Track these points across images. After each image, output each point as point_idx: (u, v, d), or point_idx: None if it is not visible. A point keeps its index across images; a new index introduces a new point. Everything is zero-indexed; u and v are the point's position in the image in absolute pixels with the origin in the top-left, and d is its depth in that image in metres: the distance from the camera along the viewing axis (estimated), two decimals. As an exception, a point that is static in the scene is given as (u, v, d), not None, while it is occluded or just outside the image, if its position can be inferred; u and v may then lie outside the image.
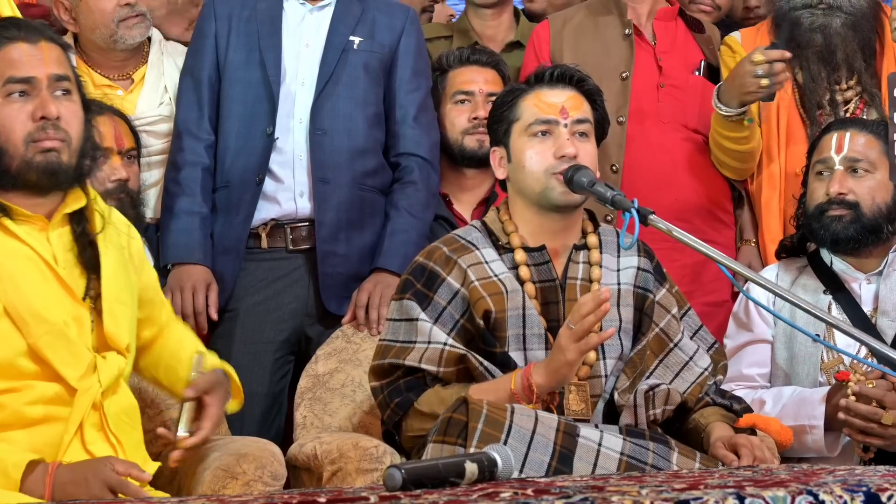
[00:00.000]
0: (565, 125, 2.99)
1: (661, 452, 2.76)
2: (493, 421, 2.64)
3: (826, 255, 3.52)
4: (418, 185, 3.72)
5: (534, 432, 2.66)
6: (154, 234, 3.71)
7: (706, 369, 3.05)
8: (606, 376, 2.98)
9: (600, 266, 3.04)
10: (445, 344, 2.94)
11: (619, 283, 3.04)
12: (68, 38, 3.86)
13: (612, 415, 2.96)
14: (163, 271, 3.65)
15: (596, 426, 2.82)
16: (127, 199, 3.52)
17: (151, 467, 2.66)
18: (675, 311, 3.09)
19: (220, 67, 3.75)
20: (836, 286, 3.47)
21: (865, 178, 3.45)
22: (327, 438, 3.15)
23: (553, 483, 2.17)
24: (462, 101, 3.89)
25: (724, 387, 3.28)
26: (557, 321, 2.94)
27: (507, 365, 2.93)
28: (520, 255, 3.01)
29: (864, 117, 3.75)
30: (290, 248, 3.68)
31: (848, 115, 3.79)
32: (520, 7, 4.53)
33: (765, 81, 3.57)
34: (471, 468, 2.19)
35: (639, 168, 3.85)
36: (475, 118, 3.86)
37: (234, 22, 3.76)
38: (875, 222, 3.42)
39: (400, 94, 3.77)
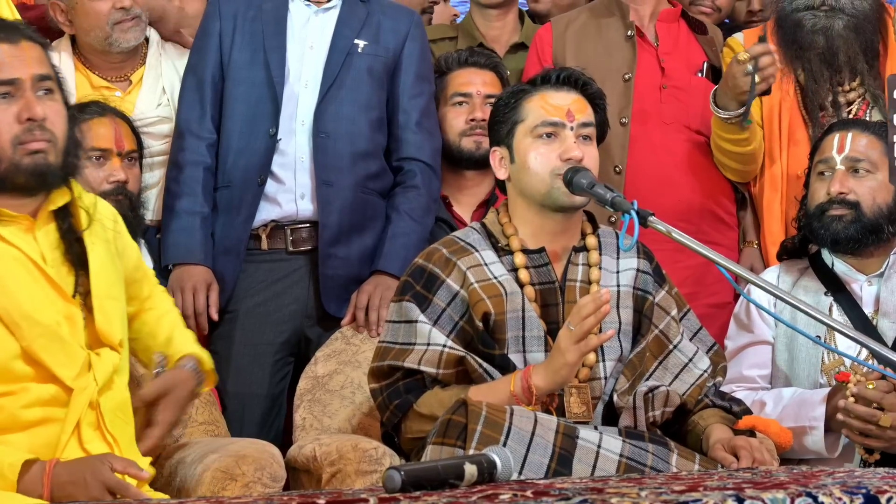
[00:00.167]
0: (571, 128, 2.99)
1: (660, 454, 2.76)
2: (493, 423, 2.64)
3: (827, 257, 3.52)
4: (420, 190, 3.73)
5: (533, 434, 2.66)
6: (154, 236, 3.71)
7: (705, 371, 3.05)
8: (606, 378, 2.98)
9: (599, 268, 3.04)
10: (444, 346, 2.94)
11: (618, 285, 3.04)
12: (66, 40, 3.87)
13: (611, 416, 2.95)
14: (164, 271, 3.65)
15: (595, 428, 2.82)
16: (125, 202, 3.52)
17: (144, 463, 2.66)
18: (674, 312, 3.08)
19: (223, 66, 3.75)
20: (837, 288, 3.47)
21: (866, 178, 3.45)
22: (327, 440, 3.15)
23: (552, 485, 2.17)
24: (460, 103, 3.89)
25: (724, 388, 3.28)
26: (557, 323, 2.94)
27: (506, 367, 2.93)
28: (519, 258, 3.01)
29: (868, 119, 3.75)
30: (291, 249, 3.68)
31: (851, 116, 3.79)
32: (524, 9, 4.53)
33: (757, 77, 3.58)
34: (470, 470, 2.20)
35: (641, 169, 3.85)
36: (473, 120, 3.86)
37: (239, 21, 3.76)
38: (875, 222, 3.42)
39: (403, 99, 3.77)
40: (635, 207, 2.80)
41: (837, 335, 3.30)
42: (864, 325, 3.37)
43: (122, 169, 3.54)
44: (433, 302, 2.98)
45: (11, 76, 2.57)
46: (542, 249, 3.02)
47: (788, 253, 3.60)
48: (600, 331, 2.84)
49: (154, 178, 3.77)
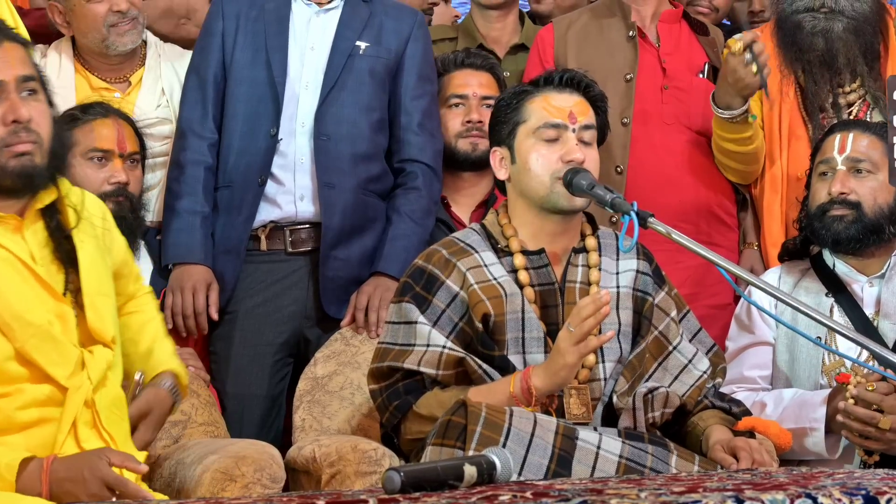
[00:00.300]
0: (573, 130, 2.99)
1: (659, 455, 2.76)
2: (492, 424, 2.64)
3: (828, 258, 3.52)
4: (421, 192, 3.72)
5: (532, 435, 2.65)
6: (154, 238, 3.71)
7: (705, 372, 3.05)
8: (605, 379, 2.98)
9: (599, 269, 3.04)
10: (444, 347, 2.94)
11: (618, 286, 3.04)
12: (66, 42, 3.87)
13: (610, 418, 2.95)
14: (164, 271, 3.65)
15: (595, 429, 2.82)
16: (126, 203, 3.52)
17: (140, 455, 2.65)
18: (674, 313, 3.08)
19: (226, 66, 3.74)
20: (838, 289, 3.47)
21: (868, 178, 3.45)
22: (326, 441, 3.15)
23: (552, 486, 2.17)
24: (456, 105, 3.89)
25: (725, 389, 3.28)
26: (556, 325, 2.94)
27: (505, 368, 2.93)
28: (519, 260, 3.01)
29: (868, 120, 3.75)
30: (290, 250, 3.68)
31: (851, 117, 3.79)
32: (525, 10, 4.53)
33: (754, 67, 3.59)
34: (469, 471, 2.20)
35: (643, 169, 3.85)
36: (469, 121, 3.86)
37: (241, 21, 3.76)
38: (877, 223, 3.42)
39: (405, 100, 3.77)
40: (635, 209, 2.79)
41: (838, 336, 3.29)
42: (864, 326, 3.37)
43: (124, 170, 3.54)
44: (433, 303, 2.98)
45: None
46: (541, 251, 3.02)
47: (790, 254, 3.60)
48: (600, 332, 2.84)
49: (154, 179, 3.77)
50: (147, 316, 2.94)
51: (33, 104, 2.60)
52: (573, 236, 3.06)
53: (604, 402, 2.97)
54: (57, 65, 3.81)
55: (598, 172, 3.02)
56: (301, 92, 3.70)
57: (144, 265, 3.64)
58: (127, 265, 2.89)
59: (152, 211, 3.74)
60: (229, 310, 3.68)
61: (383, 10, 3.80)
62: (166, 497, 2.73)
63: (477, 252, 3.03)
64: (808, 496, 1.99)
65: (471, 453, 2.56)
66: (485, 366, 2.93)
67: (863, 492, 2.03)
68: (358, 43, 3.73)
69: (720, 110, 3.71)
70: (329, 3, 3.77)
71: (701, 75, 3.98)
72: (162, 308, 3.59)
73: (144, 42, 3.91)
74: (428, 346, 2.94)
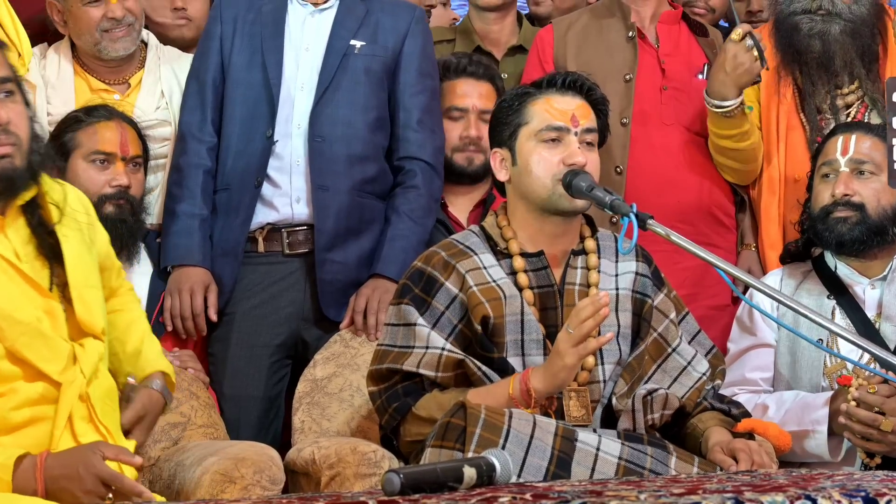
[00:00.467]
0: (575, 133, 2.99)
1: (659, 457, 2.76)
2: (492, 425, 2.64)
3: (830, 260, 3.52)
4: (420, 190, 3.70)
5: (532, 437, 2.65)
6: (154, 240, 3.71)
7: (704, 374, 3.05)
8: (605, 381, 2.98)
9: (598, 271, 3.04)
10: (443, 349, 2.94)
11: (617, 288, 3.04)
12: (66, 44, 3.87)
13: (610, 420, 2.95)
14: (164, 274, 3.65)
15: (594, 431, 2.82)
16: (127, 206, 3.52)
17: (131, 446, 2.65)
18: (673, 315, 3.08)
19: (224, 69, 3.75)
20: (839, 291, 3.47)
21: (871, 179, 3.45)
22: (325, 443, 3.14)
23: (551, 487, 2.17)
24: (456, 118, 3.87)
25: (726, 390, 3.28)
26: (556, 327, 2.94)
27: (505, 370, 2.93)
28: (518, 262, 3.01)
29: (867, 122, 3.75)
30: (287, 252, 3.67)
31: (849, 119, 3.79)
32: (524, 12, 4.53)
33: (755, 52, 3.61)
34: (469, 473, 2.20)
35: (642, 170, 3.85)
36: (466, 136, 3.85)
37: (239, 24, 3.76)
38: (880, 224, 3.42)
39: (404, 97, 3.74)
40: (634, 210, 2.79)
41: (840, 338, 3.29)
42: (866, 328, 3.37)
43: (126, 174, 3.54)
44: (432, 305, 2.98)
45: None
46: (540, 253, 3.02)
47: (792, 256, 3.60)
48: (599, 334, 2.84)
49: (154, 181, 3.77)
50: (133, 315, 2.93)
51: (10, 105, 2.59)
52: (572, 238, 3.06)
53: (603, 404, 2.97)
54: (56, 66, 3.81)
55: (599, 175, 3.02)
56: (296, 93, 3.69)
57: (144, 268, 3.64)
58: (110, 258, 2.88)
59: (152, 214, 3.73)
60: (227, 311, 3.67)
61: (380, 8, 3.78)
62: (163, 499, 2.73)
63: (476, 254, 3.03)
64: (808, 498, 2.00)
65: (470, 455, 2.56)
66: (484, 367, 2.93)
67: (862, 493, 2.03)
68: (353, 42, 3.72)
69: (715, 103, 3.70)
70: (324, 2, 3.77)
71: (700, 76, 3.98)
72: (161, 311, 3.60)
73: (145, 44, 3.90)
74: (427, 347, 2.94)
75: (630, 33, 3.96)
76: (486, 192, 3.91)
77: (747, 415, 3.06)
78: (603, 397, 2.97)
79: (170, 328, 3.60)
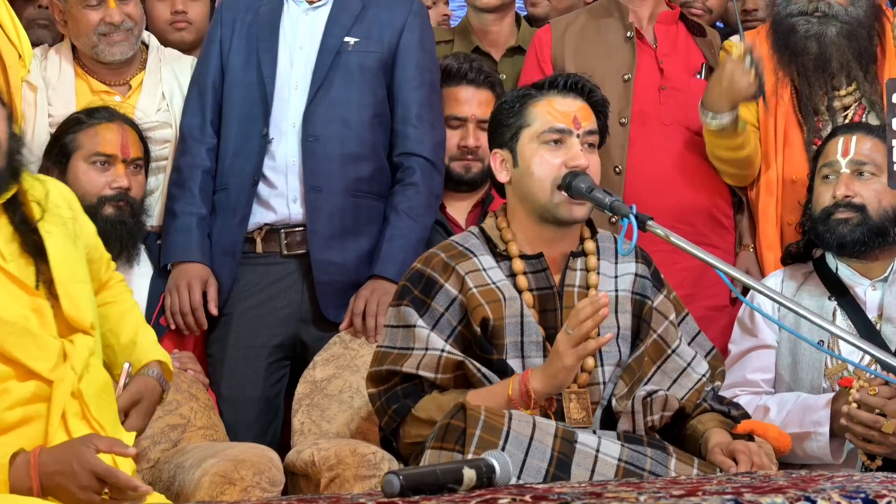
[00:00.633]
0: (577, 136, 2.99)
1: (658, 458, 2.76)
2: (491, 427, 2.64)
3: (831, 261, 3.52)
4: (419, 187, 3.67)
5: (531, 438, 2.65)
6: (154, 242, 3.71)
7: (704, 375, 3.05)
8: (604, 383, 2.98)
9: (598, 272, 3.04)
10: (443, 350, 2.94)
11: (616, 290, 3.04)
12: (66, 46, 3.87)
13: (609, 421, 2.95)
14: (163, 273, 3.66)
15: (594, 432, 2.82)
16: (127, 208, 3.52)
17: (127, 439, 2.64)
18: (672, 317, 3.08)
19: (223, 72, 3.75)
20: (841, 292, 3.47)
21: (872, 181, 3.45)
22: (325, 445, 3.14)
23: (551, 489, 2.17)
24: (454, 126, 3.85)
25: (728, 392, 3.28)
26: (555, 329, 2.93)
27: (504, 372, 2.92)
28: (518, 265, 3.01)
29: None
30: (285, 252, 3.67)
31: (847, 121, 3.79)
32: (522, 13, 4.53)
33: (752, 74, 3.60)
34: (469, 474, 2.20)
35: (641, 170, 3.85)
36: (465, 146, 3.84)
37: (237, 26, 3.77)
38: (881, 225, 3.42)
39: (402, 92, 3.72)
40: (634, 212, 2.79)
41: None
42: (867, 329, 3.38)
43: (126, 176, 3.54)
44: (431, 307, 2.98)
45: None
46: (540, 255, 3.02)
47: (793, 258, 3.60)
48: (598, 335, 2.84)
49: (154, 183, 3.77)
50: (125, 306, 2.93)
51: None
52: (572, 240, 3.06)
53: (603, 406, 2.97)
54: (57, 67, 3.81)
55: (599, 176, 3.02)
56: (291, 92, 3.69)
57: (144, 269, 3.65)
58: (98, 250, 2.87)
59: (153, 216, 3.74)
60: (225, 312, 3.67)
61: (377, 3, 3.76)
62: (164, 497, 2.72)
63: (476, 256, 3.03)
64: (807, 499, 2.00)
65: (470, 456, 2.56)
66: (484, 369, 2.93)
67: (862, 495, 2.03)
68: (346, 39, 3.70)
69: (709, 118, 3.70)
70: (319, 0, 3.76)
71: (698, 76, 3.98)
72: (161, 312, 3.60)
73: (146, 46, 3.91)
74: (427, 349, 2.94)
75: (628, 33, 3.96)
76: (485, 193, 3.91)
77: (747, 416, 3.06)
78: (602, 399, 2.97)
79: (172, 327, 3.60)
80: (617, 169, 3.84)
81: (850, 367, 3.35)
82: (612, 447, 2.72)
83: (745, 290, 3.51)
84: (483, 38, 4.29)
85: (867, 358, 3.20)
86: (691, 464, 2.80)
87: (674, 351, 3.04)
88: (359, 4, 3.74)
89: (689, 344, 3.10)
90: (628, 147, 3.86)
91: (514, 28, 4.32)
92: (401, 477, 2.13)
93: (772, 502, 1.97)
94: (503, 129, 3.04)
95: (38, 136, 3.69)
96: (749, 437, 2.95)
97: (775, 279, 3.57)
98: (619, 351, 3.00)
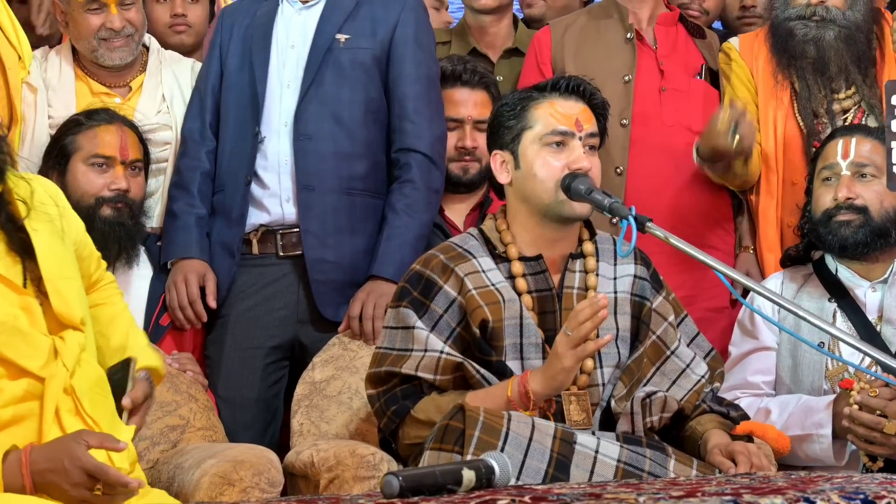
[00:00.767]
0: (580, 138, 2.99)
1: (657, 460, 2.76)
2: (490, 428, 2.64)
3: (831, 263, 3.52)
4: (416, 184, 3.64)
5: (530, 439, 2.65)
6: (154, 244, 3.71)
7: (703, 377, 3.05)
8: (603, 384, 2.98)
9: (596, 274, 3.04)
10: (442, 352, 2.94)
11: (615, 292, 3.04)
12: (67, 48, 3.87)
13: (609, 422, 2.95)
14: (163, 271, 3.67)
15: (593, 433, 2.82)
16: (125, 209, 3.53)
17: (127, 433, 2.64)
18: (671, 318, 3.08)
19: (222, 75, 3.76)
20: (840, 294, 3.47)
21: (873, 182, 3.45)
22: (324, 446, 3.14)
23: (550, 490, 2.17)
24: (451, 128, 3.82)
25: (729, 394, 3.28)
26: (554, 330, 2.93)
27: (503, 373, 2.92)
28: (517, 267, 3.01)
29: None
30: (281, 254, 3.67)
31: (847, 123, 3.80)
32: (519, 16, 4.52)
33: (735, 141, 3.65)
34: (468, 475, 2.20)
35: (642, 171, 3.85)
36: (462, 147, 3.83)
37: (235, 30, 3.78)
38: (883, 226, 3.42)
39: (398, 88, 3.70)
40: (633, 213, 2.79)
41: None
42: (867, 331, 3.38)
43: (125, 177, 3.54)
44: (430, 308, 2.98)
45: None
46: (539, 257, 3.02)
47: (792, 260, 3.60)
48: (597, 336, 2.84)
49: (154, 185, 3.77)
50: (116, 308, 2.92)
51: None
52: (571, 242, 3.06)
53: (602, 407, 2.97)
54: (58, 69, 3.81)
55: (600, 178, 3.02)
56: (283, 92, 3.69)
57: (144, 271, 3.65)
58: (87, 247, 2.85)
59: (153, 217, 3.74)
60: (222, 314, 3.67)
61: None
62: (164, 492, 2.72)
63: (475, 257, 3.03)
64: (807, 500, 2.00)
65: (469, 458, 2.56)
66: (483, 371, 2.93)
67: (861, 496, 2.03)
68: (337, 36, 3.68)
69: (705, 168, 3.75)
70: None
71: (698, 77, 3.99)
72: (161, 313, 3.60)
73: (146, 48, 3.91)
74: (426, 350, 2.94)
75: (628, 35, 3.97)
76: (483, 196, 3.90)
77: (746, 417, 3.06)
78: (602, 400, 2.97)
79: (177, 323, 3.61)
80: (618, 170, 3.84)
81: (851, 369, 3.35)
82: (611, 448, 2.72)
83: (745, 291, 3.52)
84: (480, 39, 4.29)
85: (867, 359, 3.21)
86: (690, 465, 2.80)
87: (673, 352, 3.04)
88: (352, 2, 3.73)
89: (688, 345, 3.10)
90: (629, 148, 3.86)
91: (512, 30, 4.32)
92: (400, 478, 2.13)
93: (771, 503, 1.97)
94: (504, 130, 3.04)
95: (37, 138, 3.69)
96: (748, 438, 2.95)
97: (775, 281, 3.57)
98: (619, 352, 3.00)
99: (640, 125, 3.88)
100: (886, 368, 2.63)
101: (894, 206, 3.43)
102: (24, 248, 2.60)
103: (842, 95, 3.84)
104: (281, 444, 3.52)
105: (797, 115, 3.86)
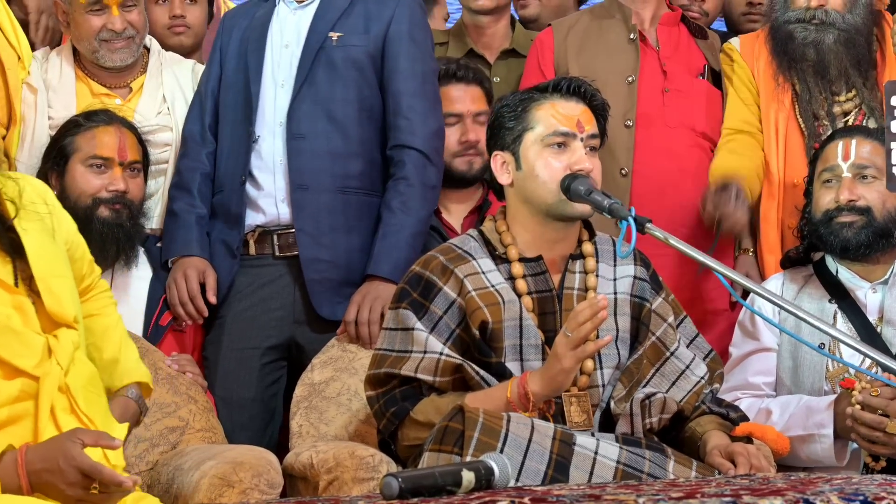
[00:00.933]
0: (581, 139, 2.99)
1: (657, 461, 2.76)
2: (490, 429, 2.64)
3: (832, 264, 3.52)
4: (410, 180, 3.62)
5: (530, 441, 2.65)
6: (154, 245, 3.71)
7: (703, 378, 3.05)
8: (603, 386, 2.98)
9: (596, 275, 3.04)
10: (441, 354, 2.94)
11: (615, 293, 3.04)
12: (67, 48, 3.88)
13: (608, 423, 2.95)
14: (164, 268, 3.68)
15: (592, 434, 2.82)
16: (124, 211, 3.53)
17: (120, 430, 2.64)
18: (671, 319, 3.08)
19: (221, 78, 3.77)
20: (841, 295, 3.47)
21: (874, 183, 3.45)
22: (323, 447, 3.14)
23: (550, 491, 2.17)
24: (451, 124, 3.81)
25: (729, 395, 3.28)
26: (554, 332, 2.92)
27: (503, 375, 2.92)
28: (517, 268, 3.01)
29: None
30: (277, 254, 3.66)
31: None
32: (516, 16, 4.52)
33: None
34: (467, 477, 2.20)
35: (646, 173, 3.85)
36: (465, 141, 3.83)
37: (234, 32, 3.79)
38: (886, 227, 3.42)
39: (392, 84, 3.68)
40: (633, 214, 2.79)
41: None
42: (868, 332, 3.38)
43: (123, 179, 3.54)
44: (430, 310, 2.98)
45: None
46: (539, 258, 3.02)
47: (792, 262, 3.60)
48: (597, 337, 2.84)
49: (154, 186, 3.77)
50: (110, 320, 2.91)
51: None
52: (571, 243, 3.06)
53: (601, 408, 2.97)
54: (58, 70, 3.82)
55: (601, 179, 3.02)
56: (277, 91, 3.69)
57: (143, 272, 3.65)
58: (79, 248, 2.85)
59: (152, 218, 3.74)
60: (219, 315, 3.67)
61: None
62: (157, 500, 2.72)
63: (474, 259, 3.03)
64: (806, 501, 2.00)
65: (468, 459, 2.56)
66: (482, 372, 2.93)
67: (860, 497, 2.03)
68: (330, 34, 3.68)
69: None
70: None
71: (701, 77, 3.99)
72: (160, 314, 3.60)
73: (147, 49, 3.91)
74: (425, 352, 2.94)
75: (632, 35, 3.96)
76: (481, 199, 3.90)
77: (745, 418, 3.05)
78: (601, 401, 2.97)
79: (179, 319, 3.61)
80: (623, 171, 3.84)
81: (852, 370, 3.35)
82: (610, 449, 2.72)
83: (745, 293, 3.52)
84: (478, 40, 4.28)
85: (868, 360, 3.20)
86: (690, 466, 2.80)
87: (672, 353, 3.04)
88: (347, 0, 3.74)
89: (687, 346, 3.10)
90: (634, 150, 3.86)
91: (509, 30, 4.31)
92: (399, 479, 2.13)
93: (770, 504, 1.98)
94: (504, 132, 3.04)
95: (37, 139, 3.70)
96: (747, 439, 2.95)
97: (776, 282, 3.57)
98: (618, 353, 3.00)
99: (644, 127, 3.88)
100: (887, 370, 2.63)
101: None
102: (14, 248, 2.60)
103: (842, 98, 3.84)
104: (280, 446, 3.52)
105: (798, 117, 3.86)
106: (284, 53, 3.71)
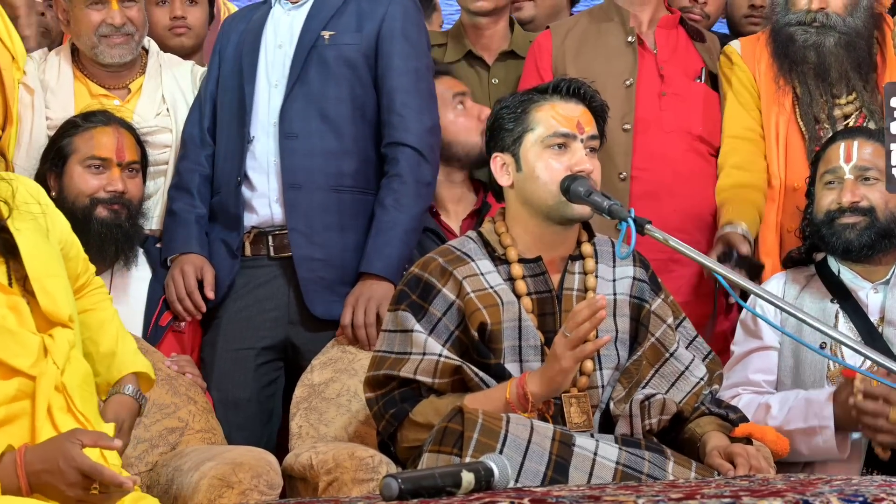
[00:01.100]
0: (581, 140, 2.99)
1: (656, 462, 2.76)
2: (489, 430, 2.64)
3: (833, 265, 3.52)
4: (403, 177, 3.61)
5: (529, 441, 2.65)
6: (153, 246, 3.71)
7: (702, 379, 3.05)
8: (603, 387, 2.98)
9: (595, 275, 3.04)
10: (440, 355, 2.93)
11: (614, 293, 3.04)
12: (66, 49, 3.88)
13: (608, 424, 2.96)
14: (164, 267, 3.68)
15: (591, 435, 2.82)
16: (123, 211, 3.53)
17: (108, 429, 2.64)
18: (670, 320, 3.08)
19: (219, 81, 3.78)
20: (843, 295, 3.47)
21: (877, 185, 3.45)
22: (323, 448, 3.14)
23: (549, 492, 2.17)
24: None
25: (730, 391, 3.27)
26: (553, 332, 2.92)
27: (502, 376, 2.92)
28: (516, 269, 3.01)
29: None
30: (272, 255, 3.66)
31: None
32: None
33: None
34: (467, 478, 2.20)
35: (645, 177, 3.85)
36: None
37: (232, 36, 3.80)
38: (888, 228, 3.43)
39: (386, 82, 3.68)
40: (632, 215, 2.79)
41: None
42: (869, 332, 3.38)
43: (122, 179, 3.54)
44: (429, 311, 2.98)
45: None
46: (538, 258, 3.02)
47: (794, 262, 3.60)
48: (596, 337, 2.84)
49: (153, 187, 3.77)
50: (105, 314, 2.92)
51: None
52: (570, 244, 3.06)
53: (601, 410, 2.97)
54: (56, 70, 3.82)
55: (600, 181, 3.02)
56: (271, 92, 3.69)
57: (143, 273, 3.65)
58: (73, 247, 2.85)
59: (152, 219, 3.74)
60: (216, 316, 3.68)
61: None
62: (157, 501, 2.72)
63: (473, 260, 3.03)
64: (806, 503, 1.99)
65: (467, 460, 2.56)
66: (481, 374, 2.93)
67: (860, 498, 2.03)
68: (322, 33, 3.68)
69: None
70: None
71: (698, 80, 3.98)
72: (160, 315, 3.60)
73: (146, 50, 3.92)
74: (424, 354, 2.94)
75: (630, 38, 3.96)
76: (480, 202, 3.91)
77: (745, 419, 3.05)
78: (601, 402, 2.97)
79: (178, 316, 3.62)
80: (622, 175, 3.84)
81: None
82: (609, 450, 2.72)
83: (745, 294, 3.51)
84: (476, 41, 4.28)
85: (868, 361, 3.20)
86: (689, 467, 2.80)
87: (672, 354, 3.04)
88: None
89: (686, 348, 3.10)
90: (632, 154, 3.86)
91: (508, 32, 4.31)
92: (399, 480, 2.13)
93: (770, 505, 1.98)
94: (504, 133, 3.04)
95: (35, 140, 3.70)
96: (747, 440, 2.95)
97: (777, 282, 3.57)
98: (618, 354, 3.00)
99: (641, 131, 3.88)
100: (888, 371, 2.63)
101: None
102: (7, 248, 2.61)
103: (843, 101, 3.84)
104: (280, 447, 3.52)
105: (799, 120, 3.86)
106: (278, 54, 3.71)
